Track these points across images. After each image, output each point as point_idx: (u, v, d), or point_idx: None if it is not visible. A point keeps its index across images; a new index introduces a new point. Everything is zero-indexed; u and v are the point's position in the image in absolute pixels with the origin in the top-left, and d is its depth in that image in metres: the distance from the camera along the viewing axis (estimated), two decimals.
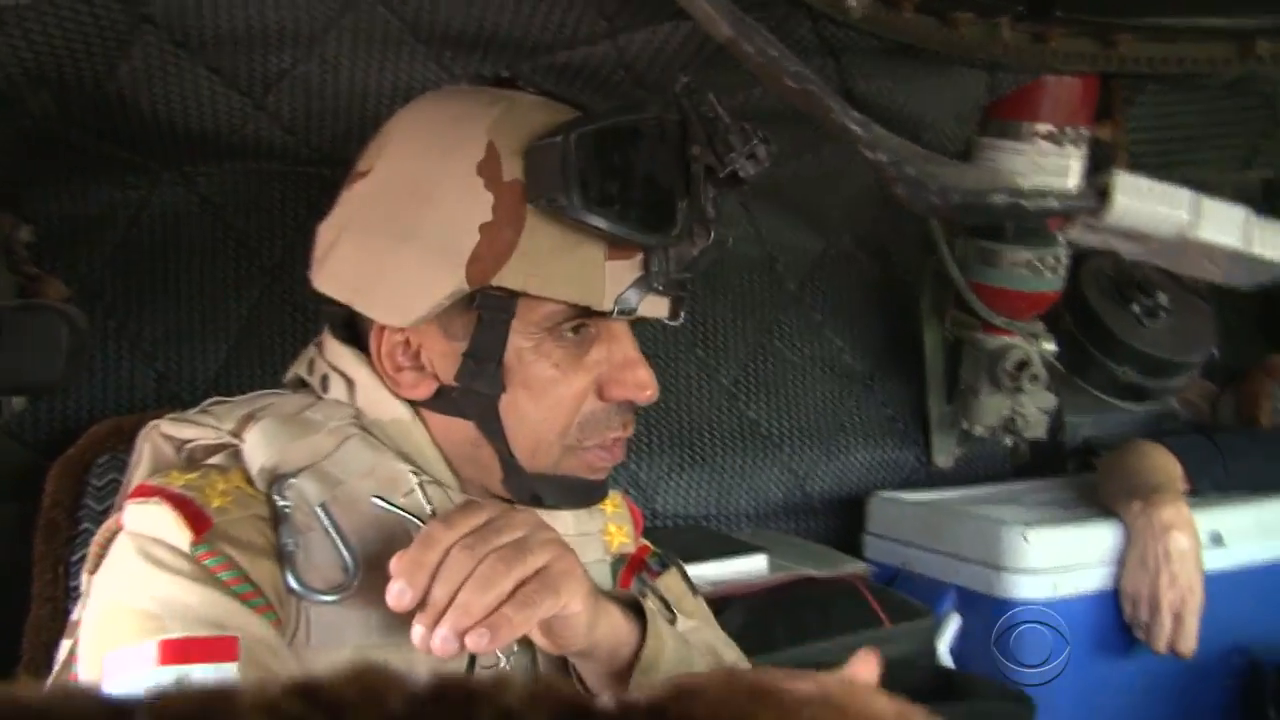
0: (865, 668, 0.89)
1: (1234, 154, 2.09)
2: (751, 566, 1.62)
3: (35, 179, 1.49)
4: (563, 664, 1.01)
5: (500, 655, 0.96)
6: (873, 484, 2.05)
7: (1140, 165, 1.99)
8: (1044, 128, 1.73)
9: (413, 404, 1.00)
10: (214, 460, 1.00)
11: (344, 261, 0.99)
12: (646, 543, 1.18)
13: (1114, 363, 2.11)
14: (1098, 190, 0.64)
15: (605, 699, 0.26)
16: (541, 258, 0.92)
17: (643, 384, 0.97)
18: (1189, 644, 1.58)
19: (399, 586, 0.86)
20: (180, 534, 0.90)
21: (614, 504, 1.16)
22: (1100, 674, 1.64)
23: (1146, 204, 0.64)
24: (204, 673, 0.85)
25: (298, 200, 1.64)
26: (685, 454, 1.94)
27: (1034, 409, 1.91)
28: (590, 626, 0.93)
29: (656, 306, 0.97)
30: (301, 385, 1.07)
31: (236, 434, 0.99)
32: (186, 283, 1.60)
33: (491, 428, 0.97)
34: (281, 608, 0.92)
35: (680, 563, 1.15)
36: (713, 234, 0.93)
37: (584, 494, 1.03)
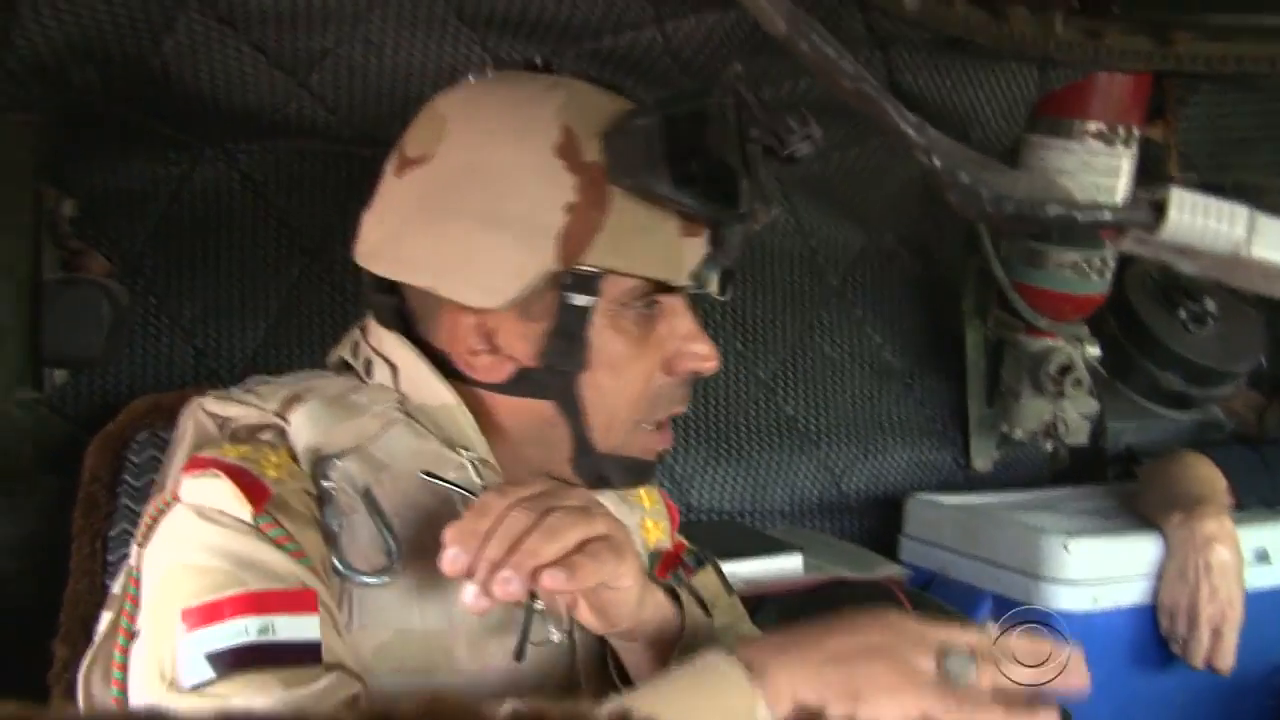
0: None
1: None
2: (786, 566, 1.60)
3: (79, 154, 1.50)
4: (600, 652, 1.01)
5: (554, 631, 0.96)
6: (909, 484, 2.03)
7: (1191, 167, 1.95)
8: (1095, 126, 1.70)
9: (483, 388, 1.00)
10: (262, 438, 0.99)
11: (420, 247, 0.98)
12: (683, 539, 1.18)
13: (1158, 369, 2.08)
14: (1152, 204, 0.62)
15: None
16: (625, 236, 0.95)
17: (707, 355, 1.01)
18: (1227, 660, 1.55)
19: (453, 552, 0.86)
20: (240, 505, 0.90)
21: (651, 499, 1.16)
22: (1137, 689, 1.61)
23: (1202, 220, 0.62)
24: (287, 623, 0.86)
25: (338, 179, 1.64)
26: (722, 448, 1.93)
27: (1076, 414, 1.88)
28: (639, 604, 0.93)
29: (714, 279, 1.01)
30: (345, 368, 1.07)
31: (281, 414, 0.99)
32: (226, 260, 1.60)
33: (571, 406, 0.99)
34: (327, 584, 0.92)
35: (716, 561, 1.14)
36: (771, 211, 0.99)
37: (643, 473, 1.05)
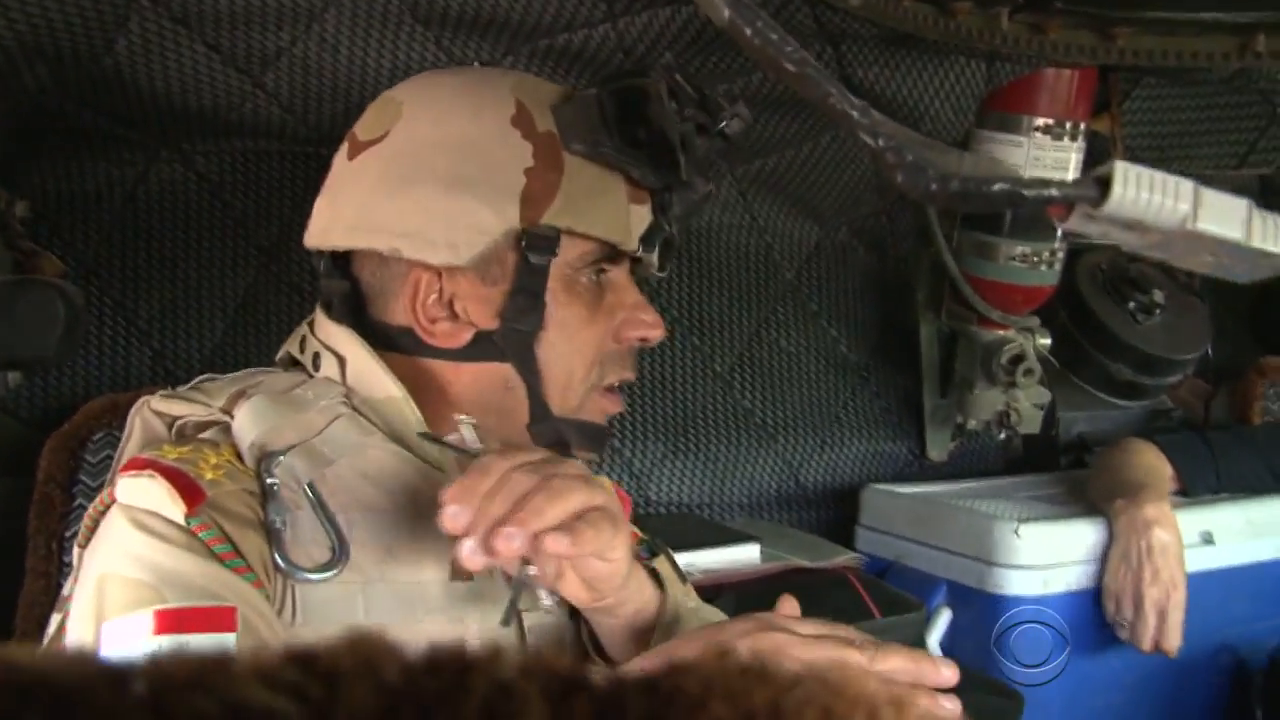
0: (788, 607, 0.97)
1: (1231, 150, 2.08)
2: (743, 556, 1.61)
3: (31, 154, 1.49)
4: (574, 630, 1.04)
5: (547, 598, 0.96)
6: (866, 476, 2.05)
7: (1136, 160, 1.98)
8: (1042, 121, 1.73)
9: (441, 357, 1.02)
10: (206, 434, 1.00)
11: (381, 214, 1.00)
12: (635, 529, 1.19)
13: (1108, 359, 2.12)
14: (1098, 180, 0.63)
15: (598, 671, 0.26)
16: (580, 198, 1.00)
17: (653, 323, 1.06)
18: (1174, 641, 1.58)
19: (454, 509, 0.87)
20: (174, 506, 0.90)
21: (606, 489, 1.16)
22: (1089, 671, 1.63)
23: (1147, 194, 0.64)
24: (201, 642, 0.85)
25: (295, 179, 1.63)
26: (679, 442, 1.94)
27: (1028, 404, 1.91)
28: (625, 579, 0.96)
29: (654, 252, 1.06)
30: (293, 364, 1.08)
31: (227, 410, 1.00)
32: (183, 261, 1.60)
33: (529, 367, 1.02)
34: (269, 583, 0.92)
35: (669, 550, 1.16)
36: (709, 184, 1.05)
37: (598, 437, 1.08)
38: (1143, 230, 0.65)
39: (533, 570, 0.91)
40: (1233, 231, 0.63)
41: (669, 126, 0.99)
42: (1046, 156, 1.74)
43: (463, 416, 1.01)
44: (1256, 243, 0.64)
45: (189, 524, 0.90)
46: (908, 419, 2.11)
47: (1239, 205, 0.64)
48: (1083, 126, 1.76)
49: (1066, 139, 1.74)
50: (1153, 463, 1.77)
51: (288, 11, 1.28)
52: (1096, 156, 1.84)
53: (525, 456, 0.91)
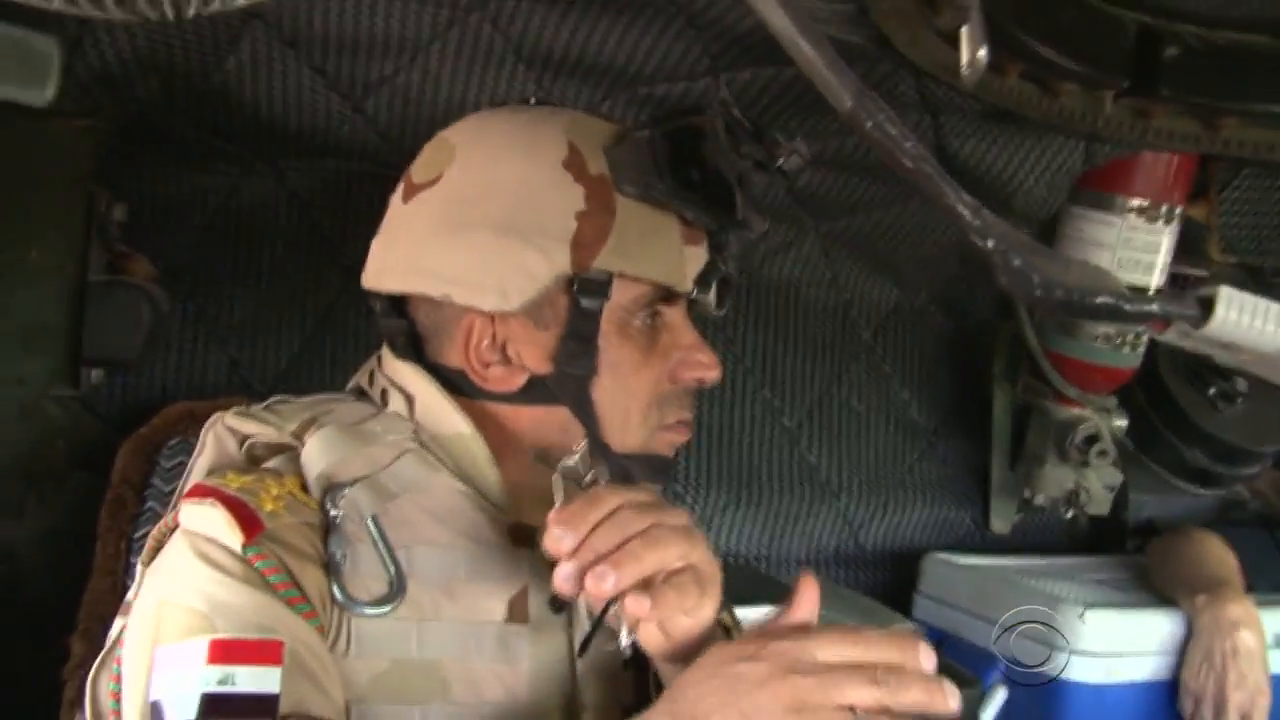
0: (808, 595, 0.96)
1: None
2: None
3: (134, 160, 1.52)
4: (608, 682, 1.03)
5: (626, 640, 0.95)
6: (927, 542, 2.03)
7: (1231, 249, 1.96)
8: (1137, 202, 1.72)
9: (497, 400, 1.03)
10: (272, 463, 1.01)
11: (434, 259, 1.01)
12: None
13: (1184, 444, 2.08)
14: (1201, 300, 0.63)
15: None
16: (633, 241, 0.99)
17: (710, 364, 1.05)
18: None
19: (558, 532, 0.88)
20: (233, 535, 0.91)
21: None
22: None
23: (1249, 319, 0.63)
24: (249, 674, 0.87)
25: (384, 203, 1.65)
26: (743, 493, 1.93)
27: (1099, 484, 1.88)
28: (706, 638, 0.94)
29: (712, 292, 1.05)
30: (362, 395, 1.08)
31: (298, 436, 1.01)
32: (268, 273, 1.62)
33: (584, 410, 1.01)
34: (325, 614, 0.93)
35: (729, 604, 1.15)
36: (766, 223, 1.03)
37: (663, 468, 1.07)
38: (1236, 349, 0.64)
39: (614, 610, 0.91)
40: None
41: (724, 165, 0.99)
42: (1138, 238, 1.72)
43: (577, 447, 1.01)
44: None
45: (246, 553, 0.91)
46: (973, 488, 2.08)
47: None
48: (1177, 210, 1.73)
49: (1161, 222, 1.72)
50: (1223, 555, 1.73)
51: (394, 42, 1.30)
52: (1190, 243, 1.82)
53: (637, 496, 0.91)
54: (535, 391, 1.02)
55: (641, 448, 1.03)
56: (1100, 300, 0.61)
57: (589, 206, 0.98)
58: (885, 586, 1.97)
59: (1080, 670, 1.57)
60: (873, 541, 2.02)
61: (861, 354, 2.03)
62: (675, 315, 1.05)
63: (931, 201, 0.58)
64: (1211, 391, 2.09)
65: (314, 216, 1.64)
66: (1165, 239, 1.72)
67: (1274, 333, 0.63)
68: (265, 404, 1.06)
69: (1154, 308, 0.63)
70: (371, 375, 1.08)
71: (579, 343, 1.00)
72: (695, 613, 0.91)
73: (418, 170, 1.06)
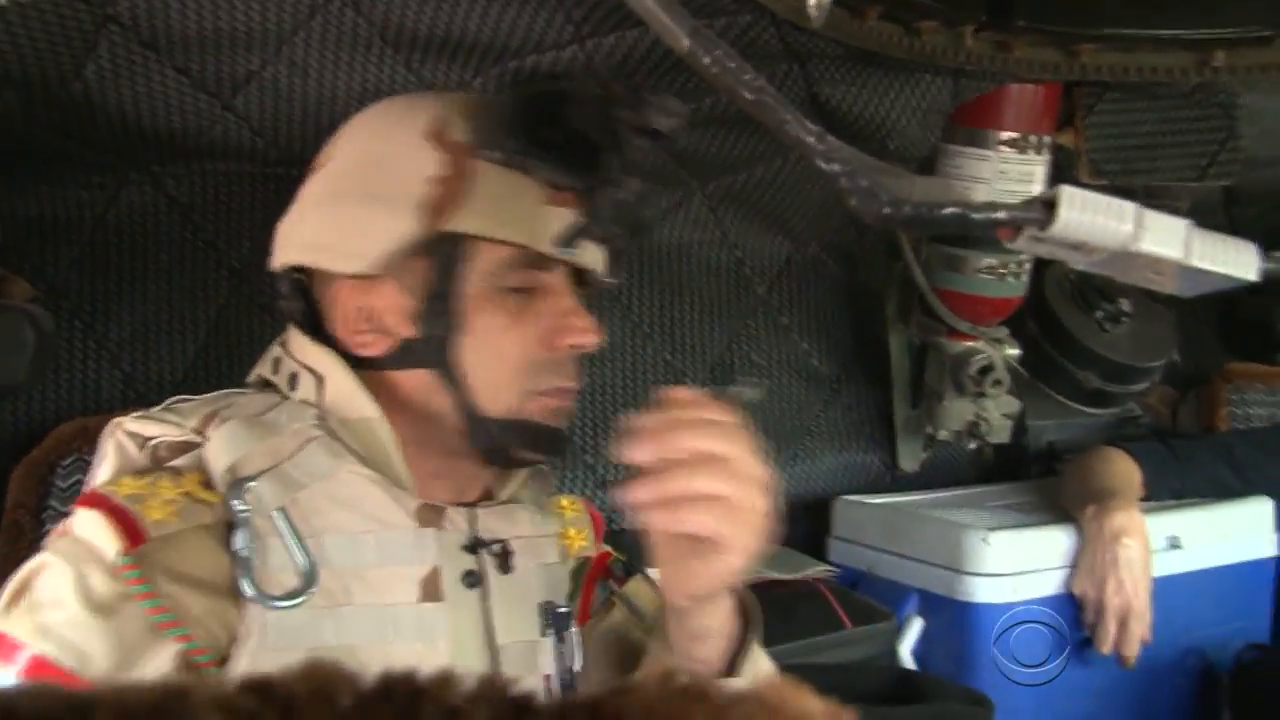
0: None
1: (1192, 162, 2.11)
2: None
3: (2, 180, 1.49)
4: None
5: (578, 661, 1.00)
6: (838, 488, 2.06)
7: (1101, 172, 2.02)
8: (1007, 135, 1.75)
9: (373, 367, 1.04)
10: (178, 461, 1.00)
11: (305, 230, 1.05)
12: (608, 548, 1.19)
13: (1077, 368, 2.14)
14: (1044, 203, 0.65)
15: (543, 698, 0.27)
16: (489, 203, 1.01)
17: (585, 329, 1.05)
18: (1132, 649, 1.61)
19: (650, 443, 0.90)
20: (111, 544, 0.92)
21: (574, 508, 1.17)
22: (1058, 676, 1.66)
23: (1091, 217, 0.65)
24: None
25: (265, 201, 1.64)
26: None
27: (997, 414, 1.93)
28: (717, 598, 0.99)
29: (594, 256, 1.06)
30: (265, 386, 1.08)
31: (200, 431, 1.01)
32: (154, 283, 1.60)
33: (450, 373, 1.02)
34: (236, 608, 0.93)
35: (645, 570, 1.16)
36: (639, 182, 1.03)
37: (549, 442, 1.07)
38: (1087, 250, 0.66)
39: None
40: (1173, 251, 0.65)
41: (588, 126, 1.00)
42: (1012, 170, 1.76)
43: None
44: (1195, 261, 0.65)
45: (122, 562, 0.91)
46: (880, 431, 2.13)
47: (1178, 226, 0.66)
48: (1048, 140, 1.78)
49: (1032, 152, 1.76)
50: (1123, 469, 1.79)
51: (257, 36, 1.29)
52: (1061, 170, 1.87)
53: (722, 416, 0.95)
54: (406, 356, 1.03)
55: (513, 413, 1.04)
56: (947, 212, 0.63)
57: (446, 171, 1.00)
58: (801, 535, 1.99)
59: (988, 592, 1.62)
60: (785, 492, 2.04)
61: (759, 309, 2.05)
62: (555, 281, 1.05)
63: (776, 133, 0.60)
64: (1098, 314, 2.16)
65: (195, 221, 1.62)
66: (1038, 168, 1.77)
67: (1117, 228, 0.66)
68: (163, 405, 1.06)
69: (1000, 215, 0.65)
70: (277, 362, 1.08)
71: (439, 303, 1.02)
72: (726, 547, 0.94)
73: (320, 155, 1.09)
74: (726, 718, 0.26)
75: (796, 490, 2.06)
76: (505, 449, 1.05)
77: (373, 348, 1.03)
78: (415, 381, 1.04)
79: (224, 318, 1.63)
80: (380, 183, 1.02)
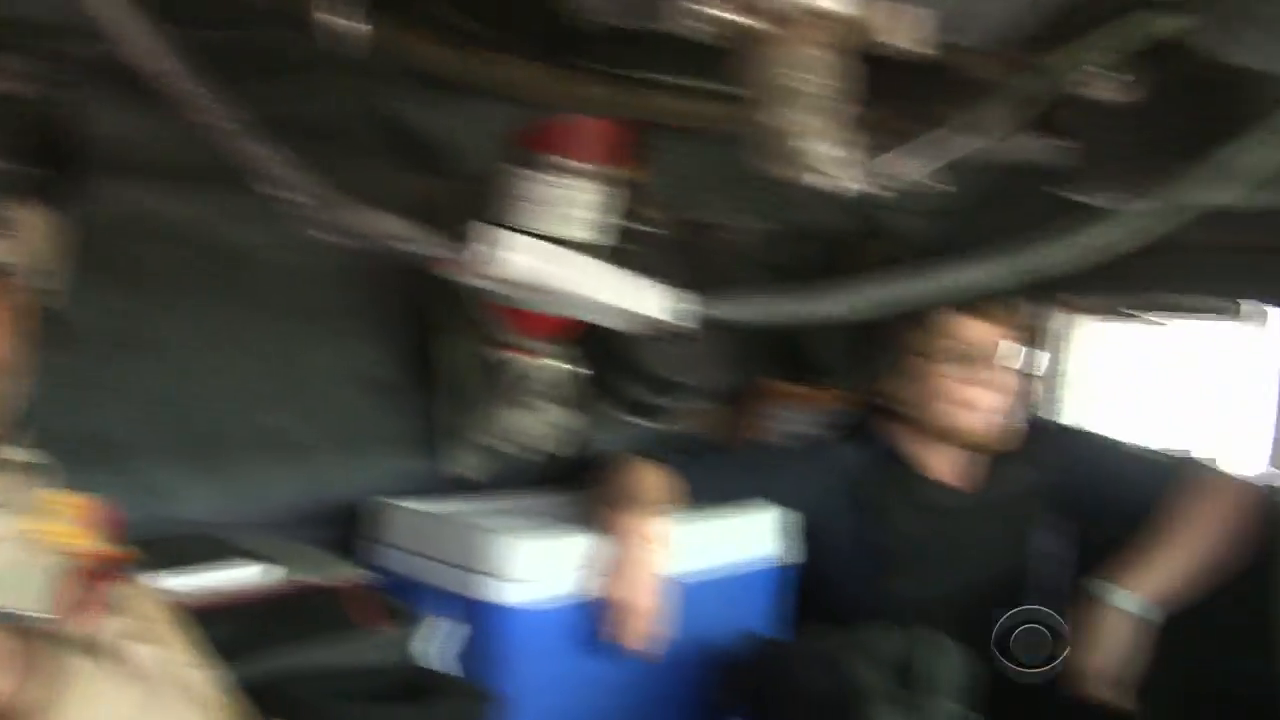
0: None
1: (744, 202, 2.30)
2: (244, 575, 1.61)
3: None
4: None
5: None
6: (393, 493, 2.08)
7: (660, 206, 2.15)
8: (570, 163, 1.82)
9: None
10: None
11: None
12: (115, 550, 1.16)
13: (627, 381, 2.27)
14: (480, 240, 0.70)
15: None
16: None
17: None
18: (646, 645, 1.74)
19: None
20: None
21: (71, 505, 1.14)
22: (580, 677, 1.76)
23: (521, 257, 0.71)
24: None
25: None
26: (202, 461, 1.90)
27: (543, 423, 2.02)
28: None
29: None
30: None
31: None
32: None
33: None
34: None
35: (145, 578, 1.14)
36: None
37: None
38: (534, 290, 0.72)
39: None
40: (599, 294, 0.72)
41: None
42: (573, 197, 1.83)
43: None
44: (620, 303, 0.73)
45: None
46: (434, 437, 2.16)
47: (605, 270, 0.73)
48: (610, 171, 1.86)
49: (591, 181, 1.84)
50: (648, 477, 1.93)
51: None
52: (622, 204, 1.97)
53: None
54: None
55: None
56: (388, 240, 0.66)
57: None
58: (351, 539, 2.00)
59: (510, 594, 1.69)
60: (339, 497, 2.05)
61: (318, 312, 2.04)
62: None
63: (239, 160, 0.62)
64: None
65: None
66: (600, 198, 1.85)
67: (546, 269, 0.72)
68: None
69: (436, 248, 0.70)
70: None
71: None
72: None
73: None
74: None
75: (351, 495, 2.06)
76: None
77: None
78: None
79: None
80: None
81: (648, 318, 0.75)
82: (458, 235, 0.79)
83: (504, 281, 0.71)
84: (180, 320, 1.85)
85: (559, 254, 0.73)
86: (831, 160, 0.94)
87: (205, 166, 1.70)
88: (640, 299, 0.74)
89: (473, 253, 0.71)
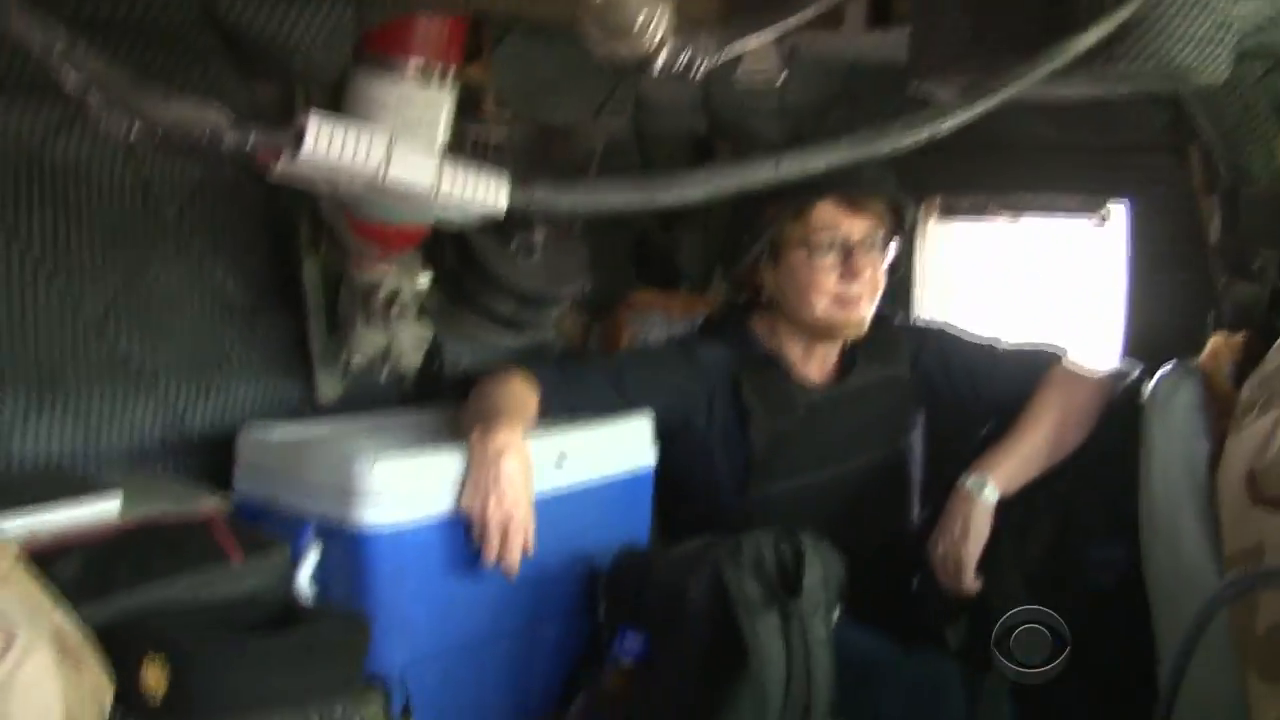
0: None
1: (589, 101, 2.25)
2: (100, 510, 1.53)
3: None
4: None
5: None
6: (257, 419, 2.02)
7: (506, 105, 2.10)
8: (415, 63, 1.76)
9: None
10: None
11: None
12: None
13: (491, 295, 2.23)
14: (295, 131, 0.66)
15: None
16: None
17: None
18: (512, 560, 1.72)
19: None
20: None
21: None
22: (453, 594, 1.73)
23: (339, 147, 0.67)
24: None
25: None
26: (47, 393, 1.80)
27: (408, 341, 1.97)
28: None
29: None
30: None
31: None
32: None
33: None
34: None
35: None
36: None
37: None
38: (345, 180, 0.68)
39: None
40: (422, 182, 0.68)
41: None
42: (419, 97, 1.78)
43: None
44: (446, 190, 0.69)
45: None
46: (298, 360, 2.10)
47: (430, 160, 0.69)
48: (454, 71, 1.81)
49: (438, 81, 1.78)
50: (516, 390, 1.89)
51: None
52: (466, 103, 1.92)
53: None
54: None
55: None
56: (199, 132, 0.62)
57: None
58: (214, 468, 1.93)
59: (376, 515, 1.65)
60: (199, 425, 1.98)
61: (168, 233, 1.94)
62: None
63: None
64: (513, 245, 2.25)
65: None
66: (445, 98, 1.80)
67: (365, 159, 0.68)
68: None
69: (250, 136, 0.65)
70: None
71: None
72: None
73: None
74: None
75: (212, 423, 1.99)
76: None
77: None
78: None
79: None
80: None
81: (479, 205, 0.71)
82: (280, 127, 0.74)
83: (328, 172, 0.67)
84: (3, 243, 1.74)
85: (379, 140, 0.68)
86: (659, 37, 0.90)
87: (22, 73, 1.63)
88: (469, 188, 0.70)
89: (290, 140, 0.66)
